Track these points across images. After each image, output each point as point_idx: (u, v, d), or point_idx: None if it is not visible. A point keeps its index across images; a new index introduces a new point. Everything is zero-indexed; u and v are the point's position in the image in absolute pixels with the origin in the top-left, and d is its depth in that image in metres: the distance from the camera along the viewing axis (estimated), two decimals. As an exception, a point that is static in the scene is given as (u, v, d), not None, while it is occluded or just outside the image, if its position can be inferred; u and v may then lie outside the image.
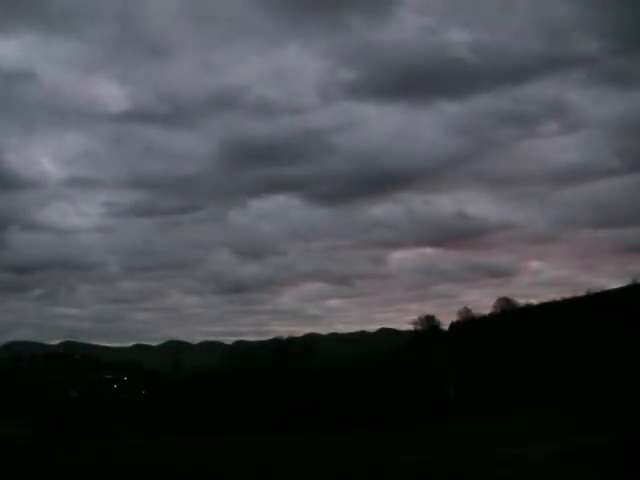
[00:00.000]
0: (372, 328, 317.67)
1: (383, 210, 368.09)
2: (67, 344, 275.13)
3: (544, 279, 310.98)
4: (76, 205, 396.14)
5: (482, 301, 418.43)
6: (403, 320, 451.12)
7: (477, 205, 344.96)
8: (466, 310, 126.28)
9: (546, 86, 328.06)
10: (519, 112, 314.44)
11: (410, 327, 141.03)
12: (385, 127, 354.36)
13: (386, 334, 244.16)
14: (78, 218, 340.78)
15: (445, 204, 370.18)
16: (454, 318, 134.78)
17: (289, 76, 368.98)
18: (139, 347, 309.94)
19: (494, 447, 25.53)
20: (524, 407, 63.03)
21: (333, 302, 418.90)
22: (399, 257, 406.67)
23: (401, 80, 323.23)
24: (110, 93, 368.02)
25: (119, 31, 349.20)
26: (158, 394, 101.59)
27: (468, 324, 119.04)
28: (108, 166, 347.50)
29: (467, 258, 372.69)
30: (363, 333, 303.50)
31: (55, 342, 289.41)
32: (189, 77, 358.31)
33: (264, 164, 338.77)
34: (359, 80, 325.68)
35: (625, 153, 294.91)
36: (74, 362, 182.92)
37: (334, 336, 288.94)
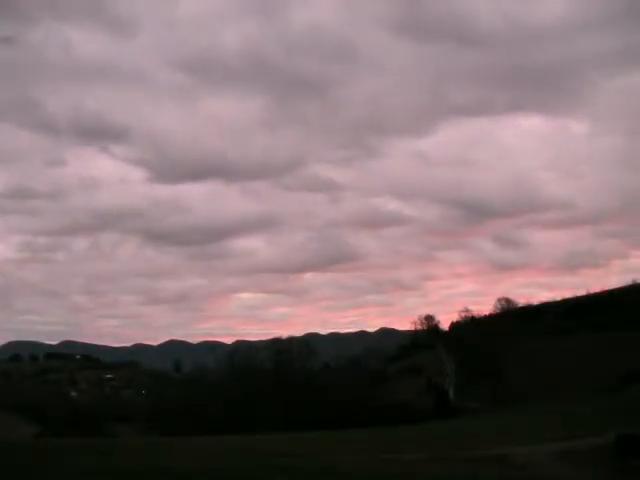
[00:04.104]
0: (372, 328, 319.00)
1: (247, 246, 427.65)
2: (67, 344, 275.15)
3: (462, 291, 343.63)
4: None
5: (417, 309, 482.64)
6: (365, 324, 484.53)
7: (326, 241, 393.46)
8: (466, 310, 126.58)
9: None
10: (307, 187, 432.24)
11: (410, 327, 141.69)
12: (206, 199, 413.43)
13: (386, 334, 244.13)
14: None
15: (295, 240, 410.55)
16: (454, 318, 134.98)
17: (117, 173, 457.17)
18: (139, 347, 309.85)
19: (494, 447, 25.56)
20: (524, 407, 63.15)
21: (282, 309, 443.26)
22: (306, 278, 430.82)
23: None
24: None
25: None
26: (159, 394, 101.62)
27: (468, 324, 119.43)
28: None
29: (365, 277, 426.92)
30: (363, 333, 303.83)
31: (55, 342, 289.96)
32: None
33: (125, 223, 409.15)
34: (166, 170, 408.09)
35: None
36: (74, 362, 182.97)
37: (334, 336, 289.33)
